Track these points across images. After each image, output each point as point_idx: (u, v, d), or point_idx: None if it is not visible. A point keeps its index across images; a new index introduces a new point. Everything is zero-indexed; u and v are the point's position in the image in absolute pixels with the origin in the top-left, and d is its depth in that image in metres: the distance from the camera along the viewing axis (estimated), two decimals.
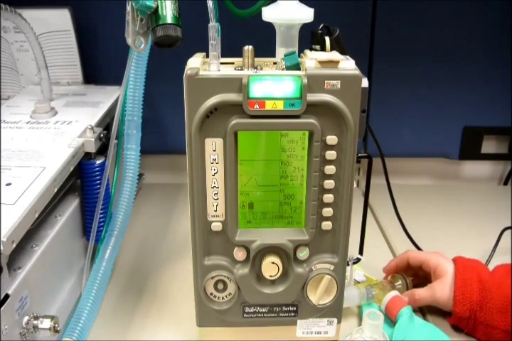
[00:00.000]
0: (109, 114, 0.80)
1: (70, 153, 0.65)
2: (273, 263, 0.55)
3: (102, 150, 0.71)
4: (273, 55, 0.57)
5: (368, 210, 0.71)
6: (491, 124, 1.06)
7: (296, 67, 0.51)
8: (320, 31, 0.56)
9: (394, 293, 0.66)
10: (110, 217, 0.69)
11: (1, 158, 0.63)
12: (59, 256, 0.64)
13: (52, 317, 0.54)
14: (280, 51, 0.55)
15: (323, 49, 0.55)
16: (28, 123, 0.75)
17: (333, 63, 0.50)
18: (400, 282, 0.70)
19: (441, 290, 0.65)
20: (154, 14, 0.52)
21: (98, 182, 0.68)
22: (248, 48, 0.51)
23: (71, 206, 0.68)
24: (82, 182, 0.70)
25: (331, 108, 0.50)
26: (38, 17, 0.88)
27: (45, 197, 0.58)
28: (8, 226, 0.49)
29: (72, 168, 0.65)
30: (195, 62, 0.51)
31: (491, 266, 0.67)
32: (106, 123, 0.78)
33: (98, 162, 0.69)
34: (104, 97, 0.86)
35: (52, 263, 0.62)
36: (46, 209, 0.60)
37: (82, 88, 0.93)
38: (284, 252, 0.55)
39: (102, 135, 0.71)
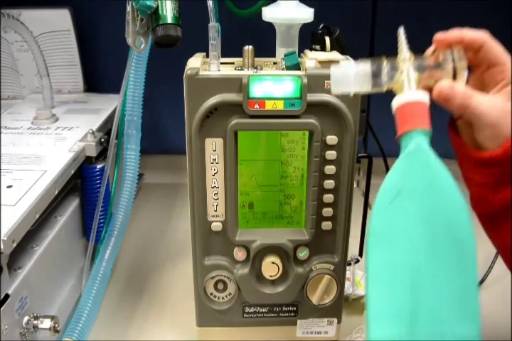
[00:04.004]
0: (110, 120, 0.80)
1: (71, 157, 0.65)
2: (273, 263, 0.55)
3: (103, 154, 0.71)
4: (273, 55, 0.57)
5: (368, 210, 0.70)
6: None
7: (296, 67, 0.52)
8: (320, 31, 0.56)
9: (418, 93, 0.43)
10: (110, 217, 0.69)
11: (3, 162, 0.63)
12: (59, 256, 0.64)
13: (52, 317, 0.54)
14: (280, 51, 0.55)
15: (323, 49, 0.56)
16: (29, 129, 0.75)
17: (333, 63, 0.50)
18: (448, 62, 0.45)
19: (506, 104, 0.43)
20: (154, 14, 0.52)
21: (98, 186, 0.68)
22: (248, 48, 0.51)
23: (71, 206, 0.68)
24: (83, 186, 0.70)
25: (331, 108, 0.50)
26: (38, 17, 0.88)
27: (45, 199, 0.58)
28: (8, 226, 0.49)
29: (72, 171, 0.65)
30: (195, 62, 0.51)
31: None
32: (107, 129, 0.78)
33: (99, 166, 0.69)
34: (105, 105, 0.86)
35: (53, 263, 0.62)
36: (47, 210, 0.60)
37: (84, 96, 0.94)
38: (284, 252, 0.55)
39: (102, 139, 0.71)
